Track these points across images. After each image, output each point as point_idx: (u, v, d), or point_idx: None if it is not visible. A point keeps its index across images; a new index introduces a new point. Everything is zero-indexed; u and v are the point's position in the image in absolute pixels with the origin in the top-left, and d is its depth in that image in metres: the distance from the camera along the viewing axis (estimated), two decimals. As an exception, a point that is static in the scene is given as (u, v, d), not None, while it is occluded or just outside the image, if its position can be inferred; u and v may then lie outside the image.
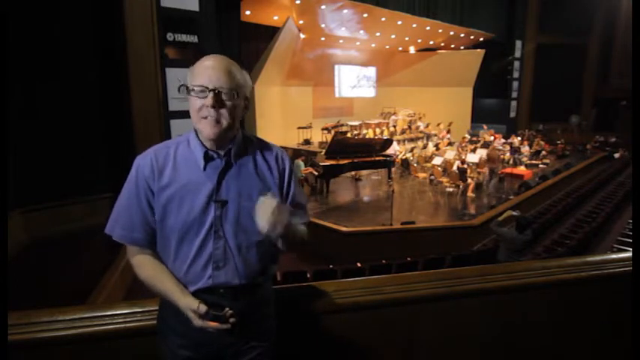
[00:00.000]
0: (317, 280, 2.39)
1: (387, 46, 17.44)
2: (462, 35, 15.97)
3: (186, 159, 1.19)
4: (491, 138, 14.65)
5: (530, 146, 14.93)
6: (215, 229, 1.17)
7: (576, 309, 1.87)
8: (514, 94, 19.32)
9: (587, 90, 19.44)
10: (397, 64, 18.57)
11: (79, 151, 5.10)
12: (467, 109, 17.97)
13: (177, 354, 1.22)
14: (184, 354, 1.21)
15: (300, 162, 10.24)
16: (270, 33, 12.24)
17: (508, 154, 13.16)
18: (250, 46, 12.58)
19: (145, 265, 1.20)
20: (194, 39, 5.99)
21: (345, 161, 10.02)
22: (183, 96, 1.21)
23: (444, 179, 10.45)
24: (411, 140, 15.36)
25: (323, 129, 13.96)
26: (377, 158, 10.80)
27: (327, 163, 9.84)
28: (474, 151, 12.23)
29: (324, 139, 13.34)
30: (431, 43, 17.14)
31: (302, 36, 13.49)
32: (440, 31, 14.83)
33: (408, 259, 5.84)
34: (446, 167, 10.90)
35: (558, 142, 16.58)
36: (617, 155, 16.04)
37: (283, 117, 13.59)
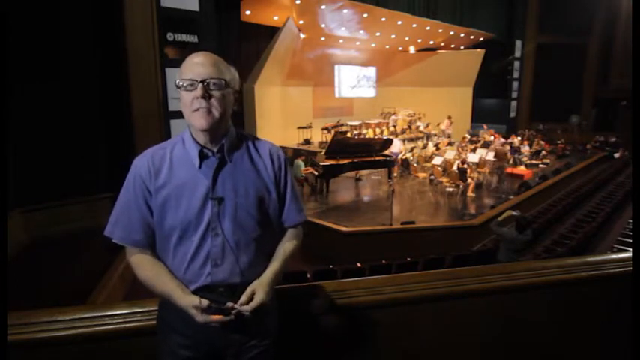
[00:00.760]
0: (317, 280, 2.39)
1: (387, 46, 17.44)
2: (462, 35, 15.97)
3: (181, 158, 1.20)
4: (491, 138, 14.65)
5: (530, 146, 14.93)
6: (212, 226, 1.17)
7: (576, 309, 1.87)
8: (514, 94, 19.31)
9: (587, 90, 19.43)
10: (397, 64, 18.56)
11: (79, 151, 5.10)
12: (467, 109, 17.96)
13: (178, 354, 1.22)
14: (184, 354, 1.21)
15: (300, 162, 10.23)
16: (270, 33, 12.23)
17: (508, 155, 13.16)
18: (250, 46, 12.57)
19: (145, 266, 1.20)
20: (194, 39, 5.99)
21: (345, 161, 10.01)
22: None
23: (444, 179, 10.45)
24: (411, 140, 15.34)
25: (323, 129, 13.95)
26: (377, 158, 10.79)
27: (327, 163, 9.84)
28: (474, 151, 12.23)
29: (324, 139, 13.32)
30: (431, 43, 17.14)
31: (302, 36, 13.48)
32: (440, 31, 14.82)
33: (408, 259, 5.84)
34: (446, 167, 10.90)
35: (558, 142, 16.57)
36: (617, 155, 16.03)
37: (283, 117, 13.58)
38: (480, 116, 18.37)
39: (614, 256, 1.93)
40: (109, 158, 5.32)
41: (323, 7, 11.14)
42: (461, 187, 10.09)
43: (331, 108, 16.78)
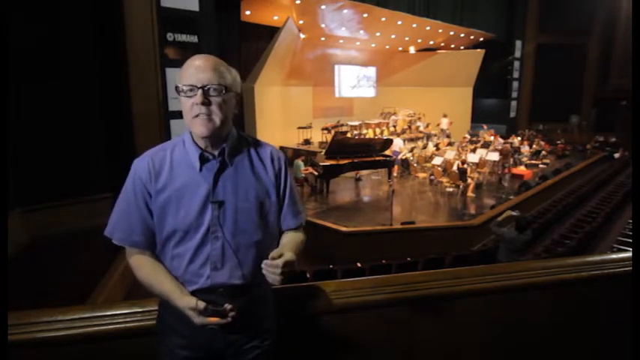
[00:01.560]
0: (317, 280, 2.39)
1: (387, 46, 17.43)
2: (462, 35, 15.96)
3: (181, 161, 1.20)
4: (491, 138, 14.66)
5: (530, 146, 14.93)
6: (213, 229, 1.17)
7: (576, 309, 1.87)
8: (514, 94, 19.31)
9: (587, 90, 19.42)
10: (397, 64, 18.55)
11: (79, 151, 5.09)
12: (467, 109, 17.95)
13: (177, 354, 1.22)
14: (184, 354, 1.21)
15: (300, 162, 10.23)
16: (270, 33, 12.23)
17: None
18: (250, 46, 12.56)
19: (144, 267, 1.20)
20: (194, 39, 5.99)
21: (345, 161, 10.01)
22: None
23: (444, 179, 10.45)
24: (411, 140, 15.34)
25: (323, 129, 13.94)
26: (377, 158, 10.79)
27: (327, 163, 9.83)
28: (474, 151, 12.24)
29: (324, 139, 13.32)
30: (431, 43, 17.13)
31: (302, 36, 13.47)
32: (440, 31, 14.82)
33: (408, 259, 5.84)
34: (446, 167, 10.90)
35: (558, 142, 16.57)
36: (617, 155, 16.03)
37: (283, 117, 13.58)
38: (479, 116, 18.37)
39: (614, 256, 1.93)
40: (109, 158, 5.31)
41: (323, 7, 11.13)
42: (461, 187, 10.09)
43: (331, 108, 16.77)
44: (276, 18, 12.06)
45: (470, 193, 10.07)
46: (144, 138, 5.32)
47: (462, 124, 17.16)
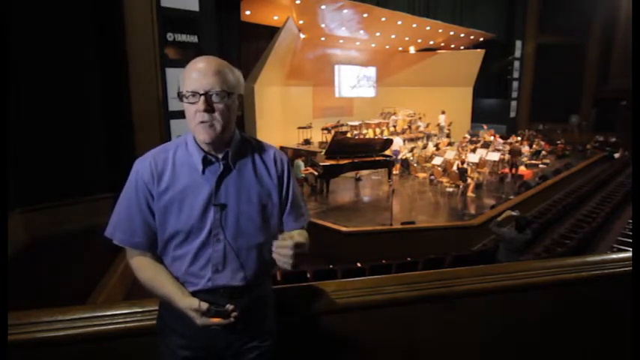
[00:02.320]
0: (317, 280, 2.39)
1: (387, 46, 17.44)
2: (462, 35, 15.96)
3: (184, 163, 1.19)
4: (491, 138, 14.66)
5: (530, 146, 14.93)
6: (215, 232, 1.17)
7: (576, 309, 1.87)
8: (514, 94, 19.32)
9: (587, 90, 19.43)
10: (397, 64, 18.55)
11: (79, 151, 5.09)
12: (467, 109, 17.96)
13: (177, 354, 1.22)
14: (184, 354, 1.21)
15: (300, 162, 10.23)
16: (270, 33, 12.23)
17: (508, 155, 13.17)
18: (250, 46, 12.57)
19: (145, 268, 1.20)
20: (194, 39, 5.98)
21: (345, 161, 10.02)
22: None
23: (444, 179, 10.45)
24: (411, 140, 15.35)
25: (323, 129, 13.95)
26: (377, 158, 10.80)
27: (327, 163, 9.84)
28: (474, 151, 12.25)
29: (324, 139, 13.33)
30: (431, 43, 17.14)
31: (302, 36, 13.47)
32: (440, 31, 14.82)
33: (408, 259, 5.84)
34: (446, 167, 10.90)
35: (558, 142, 16.57)
36: (617, 155, 16.03)
37: (283, 117, 13.58)
38: (480, 116, 18.38)
39: (614, 256, 1.93)
40: (109, 158, 5.31)
41: (323, 7, 11.14)
42: (461, 187, 10.10)
43: (331, 108, 16.78)
44: (276, 18, 12.06)
45: (470, 193, 10.08)
46: (144, 138, 5.32)
47: (462, 124, 17.18)
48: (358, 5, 11.05)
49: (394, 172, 11.38)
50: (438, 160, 11.29)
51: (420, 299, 1.64)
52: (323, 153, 10.52)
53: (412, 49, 18.17)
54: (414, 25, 13.69)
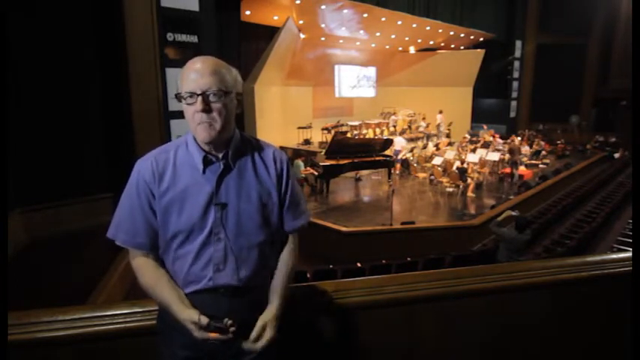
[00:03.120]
0: (317, 280, 2.39)
1: (387, 46, 17.44)
2: (462, 35, 15.96)
3: (185, 162, 1.20)
4: (491, 138, 14.66)
5: (530, 146, 14.93)
6: (215, 231, 1.17)
7: (577, 309, 1.87)
8: (514, 94, 19.31)
9: (587, 90, 19.43)
10: (397, 64, 18.55)
11: (79, 151, 5.09)
12: (467, 109, 17.96)
13: (177, 354, 1.22)
14: (184, 354, 1.21)
15: (300, 162, 10.23)
16: (270, 33, 12.23)
17: (508, 155, 13.18)
18: (250, 46, 12.57)
19: (146, 272, 1.20)
20: (194, 39, 5.98)
21: (345, 161, 10.02)
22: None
23: (444, 179, 10.45)
24: (411, 140, 15.35)
25: (323, 129, 13.95)
26: (377, 158, 10.80)
27: (327, 163, 9.84)
28: (474, 151, 12.24)
29: (324, 139, 13.33)
30: (431, 43, 17.14)
31: (302, 36, 13.47)
32: (440, 31, 14.82)
33: (408, 259, 5.84)
34: (446, 167, 10.90)
35: (558, 142, 16.58)
36: (617, 155, 16.03)
37: (283, 117, 13.58)
38: (480, 116, 18.38)
39: (614, 256, 1.93)
40: (109, 158, 5.31)
41: (323, 7, 11.14)
42: (461, 187, 10.10)
43: (331, 108, 16.78)
44: (276, 18, 12.06)
45: (470, 193, 10.08)
46: (144, 138, 5.31)
47: (462, 124, 17.17)
48: (358, 5, 11.05)
49: (395, 171, 11.37)
50: (438, 160, 11.29)
51: (420, 299, 1.64)
52: (323, 153, 10.52)
53: (412, 49, 18.17)
54: (414, 25, 13.69)
